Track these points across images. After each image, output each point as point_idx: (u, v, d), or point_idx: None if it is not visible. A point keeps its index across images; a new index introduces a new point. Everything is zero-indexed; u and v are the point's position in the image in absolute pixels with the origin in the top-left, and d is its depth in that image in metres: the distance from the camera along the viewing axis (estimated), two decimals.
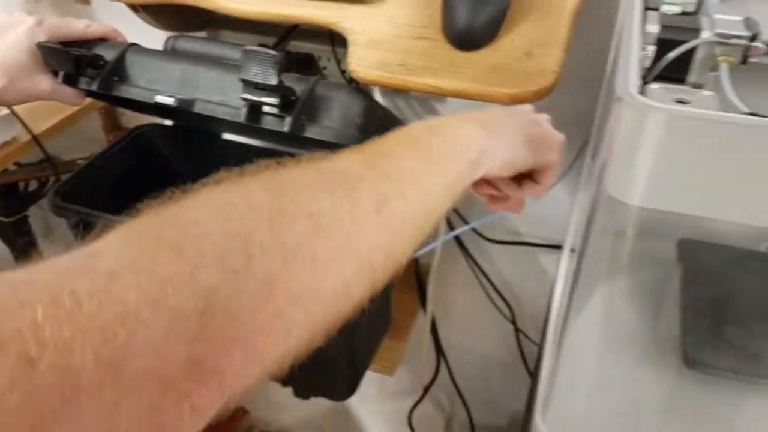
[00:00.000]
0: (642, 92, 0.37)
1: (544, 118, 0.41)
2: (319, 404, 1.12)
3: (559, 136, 0.41)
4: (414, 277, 0.88)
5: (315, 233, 0.25)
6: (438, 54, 0.51)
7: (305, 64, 0.75)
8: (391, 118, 0.61)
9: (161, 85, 0.50)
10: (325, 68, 0.74)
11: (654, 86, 0.38)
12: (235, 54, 0.51)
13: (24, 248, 0.92)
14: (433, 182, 0.32)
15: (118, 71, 0.51)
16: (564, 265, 0.67)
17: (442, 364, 0.96)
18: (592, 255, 0.51)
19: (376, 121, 0.55)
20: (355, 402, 1.14)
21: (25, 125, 0.71)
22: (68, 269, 0.20)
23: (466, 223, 0.79)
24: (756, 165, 0.33)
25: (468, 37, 0.50)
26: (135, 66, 0.51)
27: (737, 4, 0.52)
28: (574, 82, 0.55)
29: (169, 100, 0.48)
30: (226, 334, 0.21)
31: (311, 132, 0.51)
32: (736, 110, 0.37)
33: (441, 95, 0.57)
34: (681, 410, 0.53)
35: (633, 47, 0.38)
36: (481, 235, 0.83)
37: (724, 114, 0.33)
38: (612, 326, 0.60)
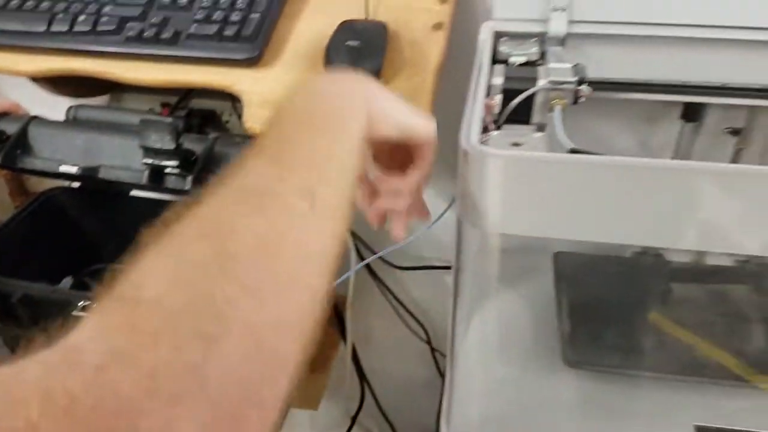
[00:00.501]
0: (484, 140, 0.44)
1: None
2: None
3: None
4: (332, 310, 0.93)
5: (269, 259, 0.25)
6: None
7: (208, 120, 0.80)
8: None
9: (65, 154, 0.53)
10: (227, 122, 0.79)
11: (494, 133, 0.45)
12: (134, 120, 0.55)
13: None
14: (342, 148, 0.32)
15: (20, 144, 0.54)
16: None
17: (367, 392, 1.01)
18: (475, 273, 0.58)
19: None
20: None
21: None
22: (56, 364, 0.19)
23: (374, 253, 0.85)
24: (577, 192, 0.41)
25: None
26: (38, 138, 0.54)
27: (577, 49, 0.63)
28: (446, 128, 0.63)
29: (73, 169, 0.51)
30: (231, 401, 0.21)
31: None
32: (562, 148, 0.45)
33: None
34: (565, 406, 0.60)
35: (477, 101, 0.46)
36: (390, 263, 0.89)
37: (545, 154, 0.41)
38: (502, 335, 0.67)
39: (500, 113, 0.53)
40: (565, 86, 0.52)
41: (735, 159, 0.69)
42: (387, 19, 0.61)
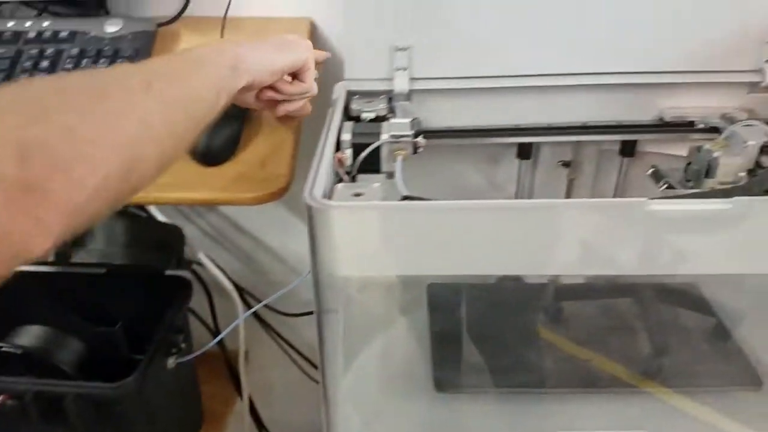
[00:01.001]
0: (331, 191, 0.49)
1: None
2: None
3: (303, 40, 0.54)
4: (225, 366, 0.94)
5: (98, 101, 0.33)
6: (189, 171, 0.60)
7: None
8: (163, 228, 0.68)
9: None
10: None
11: (339, 186, 0.50)
12: None
13: None
14: (196, 79, 0.41)
15: None
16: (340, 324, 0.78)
17: None
18: (349, 314, 0.62)
19: (143, 234, 0.63)
20: None
21: None
22: None
23: (259, 301, 0.88)
24: (406, 232, 0.46)
25: (210, 156, 0.60)
26: None
27: (423, 103, 0.70)
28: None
29: None
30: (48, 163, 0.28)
31: (78, 257, 0.57)
32: (399, 195, 0.51)
33: (194, 204, 0.66)
34: (437, 430, 0.65)
35: (323, 157, 0.51)
36: (278, 311, 0.92)
37: (377, 203, 0.47)
38: (382, 367, 0.71)
39: (352, 165, 0.59)
40: (403, 139, 0.58)
41: (569, 188, 0.79)
42: None
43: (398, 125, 0.60)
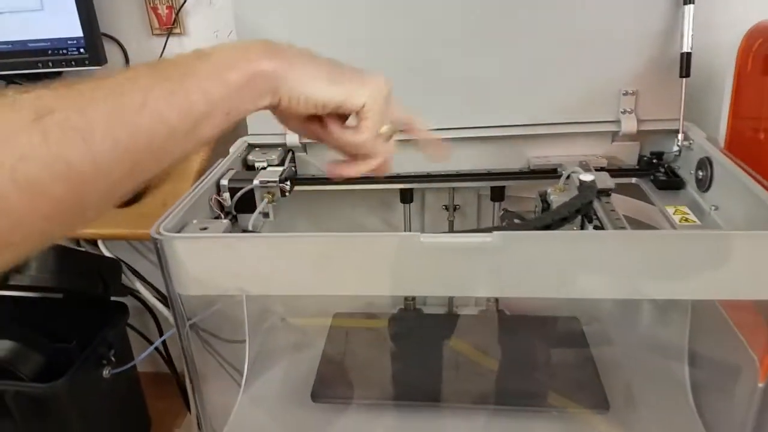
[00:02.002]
0: (184, 224, 0.60)
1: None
2: None
3: (377, 77, 0.41)
4: (175, 385, 1.05)
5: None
6: None
7: None
8: (90, 257, 0.81)
9: None
10: None
11: (193, 221, 0.61)
12: None
13: None
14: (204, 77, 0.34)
15: None
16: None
17: None
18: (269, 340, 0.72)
19: (71, 262, 0.76)
20: None
21: None
22: None
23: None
24: (233, 259, 0.56)
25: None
26: None
27: (318, 153, 0.81)
28: None
29: None
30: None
31: (14, 280, 0.70)
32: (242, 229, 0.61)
33: (106, 239, 0.79)
34: None
35: (185, 198, 0.62)
36: (216, 336, 1.02)
37: (209, 234, 0.57)
38: (282, 380, 0.81)
39: (230, 206, 0.70)
40: (269, 185, 0.69)
41: (451, 227, 0.87)
42: None
43: (269, 173, 0.71)
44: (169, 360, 1.02)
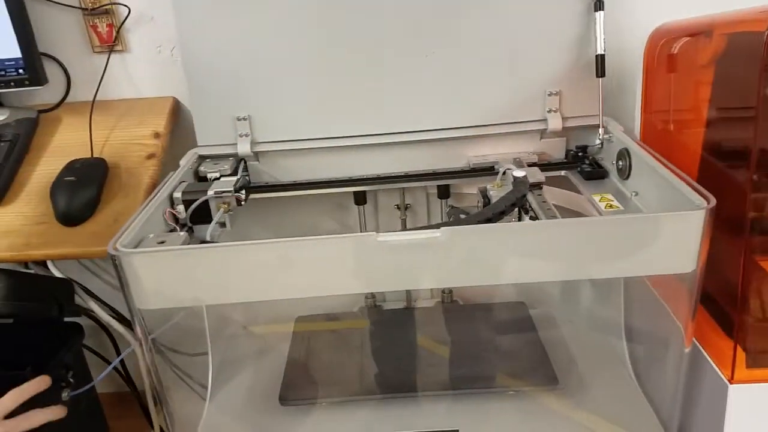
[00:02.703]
0: (142, 239, 0.62)
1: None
2: None
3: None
4: (137, 404, 1.04)
5: None
6: (52, 232, 0.73)
7: None
8: (41, 279, 0.80)
9: None
10: None
11: (150, 236, 0.63)
12: None
13: None
14: None
15: None
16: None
17: None
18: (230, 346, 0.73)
19: (21, 285, 0.75)
20: None
21: None
22: None
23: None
24: (195, 270, 0.58)
25: (69, 218, 0.73)
26: None
27: (271, 161, 0.83)
28: None
29: None
30: None
31: None
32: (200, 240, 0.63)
33: (58, 259, 0.79)
34: None
35: (140, 214, 0.64)
36: (178, 351, 1.03)
37: (168, 247, 0.59)
38: (249, 386, 0.82)
39: (185, 217, 0.71)
40: (224, 195, 0.71)
41: (402, 227, 0.91)
42: (108, 155, 0.80)
43: (223, 183, 0.73)
44: (128, 378, 1.01)
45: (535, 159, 0.82)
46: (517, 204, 0.64)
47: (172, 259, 0.57)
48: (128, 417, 1.05)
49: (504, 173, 0.74)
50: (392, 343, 0.87)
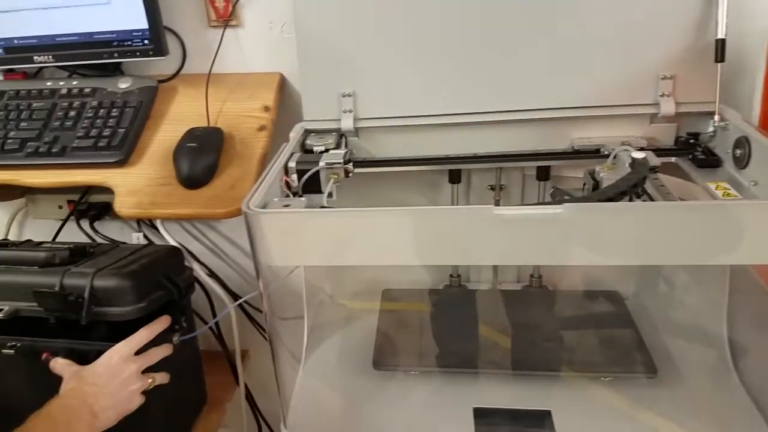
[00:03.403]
0: (266, 202, 0.65)
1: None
2: None
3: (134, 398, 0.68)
4: (226, 361, 1.09)
5: None
6: (176, 193, 0.78)
7: (103, 210, 0.99)
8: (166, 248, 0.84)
9: None
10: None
11: (275, 199, 0.66)
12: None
13: None
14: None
15: None
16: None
17: (265, 428, 1.16)
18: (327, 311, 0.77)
19: (146, 288, 0.78)
20: None
21: None
22: None
23: (253, 306, 1.03)
24: (314, 232, 0.61)
25: (192, 181, 0.77)
26: None
27: (370, 137, 0.85)
28: None
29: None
30: None
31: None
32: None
33: (181, 218, 0.84)
34: (372, 399, 0.78)
35: (266, 179, 0.67)
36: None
37: (285, 210, 0.62)
38: (339, 352, 0.86)
39: (298, 186, 0.74)
40: (335, 166, 0.74)
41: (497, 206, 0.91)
42: (223, 125, 0.83)
43: (333, 155, 0.76)
44: (220, 337, 1.06)
45: (644, 144, 0.81)
46: (639, 185, 0.64)
47: (300, 220, 0.60)
48: (215, 374, 1.10)
49: (615, 156, 0.73)
50: (479, 322, 0.88)
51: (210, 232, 1.05)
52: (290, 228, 0.61)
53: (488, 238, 0.58)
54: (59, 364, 0.70)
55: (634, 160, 0.68)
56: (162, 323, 0.74)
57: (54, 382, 0.67)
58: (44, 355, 0.72)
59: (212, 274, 1.01)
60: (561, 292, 0.93)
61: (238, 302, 0.99)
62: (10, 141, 0.82)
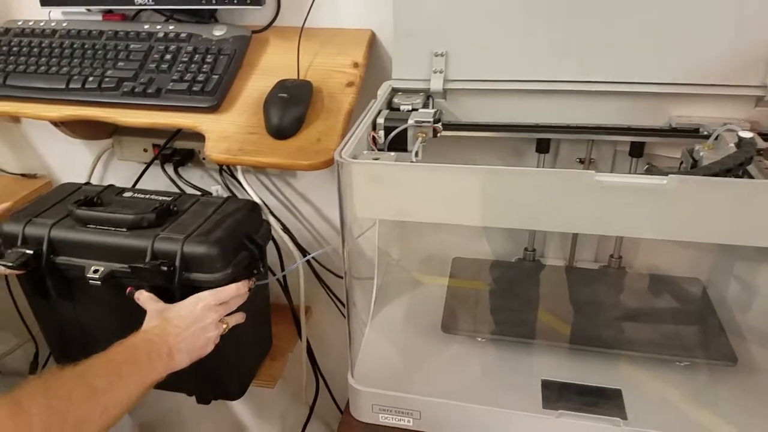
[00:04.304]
0: (355, 155, 0.65)
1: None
2: (224, 419, 1.29)
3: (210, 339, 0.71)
4: (290, 314, 1.12)
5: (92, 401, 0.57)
6: (264, 142, 0.79)
7: (188, 157, 1.02)
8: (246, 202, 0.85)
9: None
10: (204, 158, 1.00)
11: (365, 152, 0.66)
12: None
13: None
14: (131, 379, 0.62)
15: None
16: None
17: (322, 384, 1.18)
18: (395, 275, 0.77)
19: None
20: (248, 418, 1.33)
21: None
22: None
23: (319, 263, 1.05)
24: (407, 186, 0.61)
25: (280, 131, 0.78)
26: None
27: (457, 100, 0.84)
28: None
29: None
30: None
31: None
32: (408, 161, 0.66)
33: (266, 167, 0.85)
34: (439, 359, 0.78)
35: (355, 132, 0.67)
36: (334, 273, 1.09)
37: (379, 162, 0.62)
38: (405, 313, 0.86)
39: (384, 143, 0.74)
40: (424, 125, 0.73)
41: None
42: (313, 79, 0.84)
43: (423, 114, 0.75)
44: (285, 289, 1.08)
45: (747, 127, 0.77)
46: (745, 164, 0.61)
47: (394, 172, 0.60)
48: (283, 325, 1.12)
49: (718, 136, 0.70)
50: (552, 297, 0.86)
51: (285, 188, 1.06)
52: (382, 179, 0.61)
53: (586, 205, 0.57)
54: (144, 296, 0.73)
55: (741, 139, 0.64)
56: (247, 284, 0.77)
57: (136, 317, 0.71)
58: (129, 289, 0.75)
59: (285, 229, 1.02)
60: (639, 275, 0.91)
61: (308, 257, 1.01)
62: (107, 79, 0.85)
